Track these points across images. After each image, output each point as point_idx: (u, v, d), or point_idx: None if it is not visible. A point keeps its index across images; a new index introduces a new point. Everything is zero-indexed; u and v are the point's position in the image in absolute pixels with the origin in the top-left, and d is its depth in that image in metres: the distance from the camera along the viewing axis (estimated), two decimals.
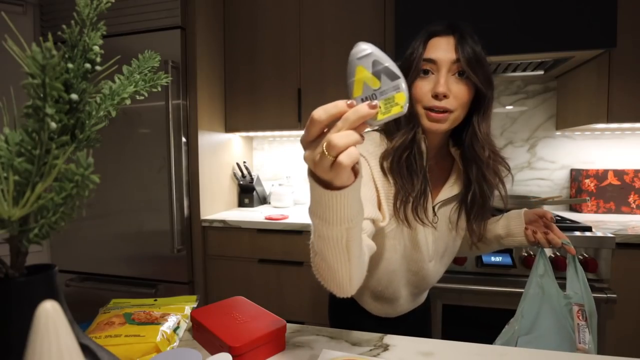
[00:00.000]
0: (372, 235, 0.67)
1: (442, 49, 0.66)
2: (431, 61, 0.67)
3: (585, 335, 0.72)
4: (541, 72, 1.66)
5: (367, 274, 0.61)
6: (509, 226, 0.82)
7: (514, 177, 0.78)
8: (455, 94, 0.66)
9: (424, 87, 0.68)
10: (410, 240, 0.77)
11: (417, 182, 0.70)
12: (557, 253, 1.30)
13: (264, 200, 2.19)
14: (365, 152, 0.73)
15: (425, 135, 0.72)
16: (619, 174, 1.71)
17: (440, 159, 0.79)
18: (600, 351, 1.25)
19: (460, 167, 0.77)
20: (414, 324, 0.94)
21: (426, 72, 0.68)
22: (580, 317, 0.74)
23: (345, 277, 0.53)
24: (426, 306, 0.99)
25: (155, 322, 0.63)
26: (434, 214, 0.77)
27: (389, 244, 0.76)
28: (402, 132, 0.70)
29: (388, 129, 0.75)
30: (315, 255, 0.54)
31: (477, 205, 0.75)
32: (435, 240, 0.80)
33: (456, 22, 0.68)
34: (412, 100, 0.69)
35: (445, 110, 0.67)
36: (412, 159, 0.70)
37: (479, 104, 0.70)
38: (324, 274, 0.55)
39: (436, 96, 0.66)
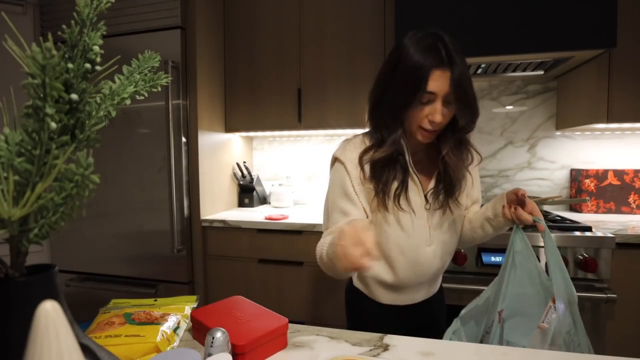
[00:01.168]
0: None
1: (440, 83, 0.75)
2: (431, 93, 0.76)
3: (551, 315, 0.73)
4: (541, 72, 1.66)
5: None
6: (495, 207, 0.87)
7: (482, 157, 0.91)
8: (445, 117, 0.78)
9: (422, 113, 0.78)
10: (398, 227, 0.84)
11: (395, 179, 0.82)
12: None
13: (264, 200, 2.19)
14: (344, 158, 0.85)
15: (410, 142, 0.84)
16: (619, 174, 1.71)
17: (428, 153, 0.89)
18: (600, 351, 1.25)
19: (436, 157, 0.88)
20: (428, 315, 0.97)
21: (425, 101, 0.78)
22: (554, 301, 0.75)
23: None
24: (440, 297, 1.01)
25: (155, 322, 0.63)
26: (427, 201, 0.86)
27: (377, 230, 0.85)
28: (385, 147, 0.81)
29: (373, 135, 0.86)
30: (323, 261, 0.75)
31: (455, 186, 0.86)
32: (430, 226, 0.87)
33: (448, 48, 0.75)
34: (404, 123, 0.81)
35: (435, 130, 0.80)
36: (391, 164, 0.82)
37: (459, 116, 0.80)
38: (336, 275, 0.77)
39: (432, 122, 0.77)
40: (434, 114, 0.76)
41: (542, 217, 0.80)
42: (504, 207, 0.83)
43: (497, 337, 0.79)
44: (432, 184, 0.87)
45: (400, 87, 0.77)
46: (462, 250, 1.35)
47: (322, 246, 0.80)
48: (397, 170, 0.82)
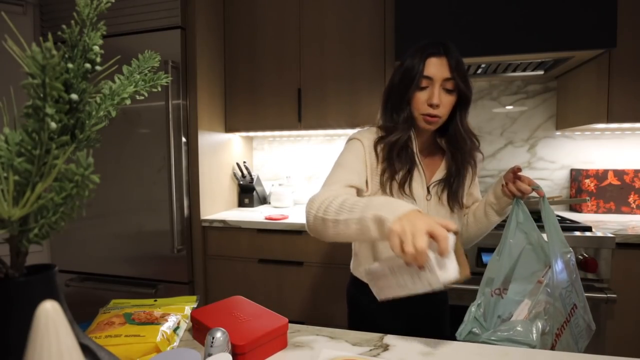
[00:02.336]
0: None
1: (437, 68, 0.84)
2: (428, 78, 0.84)
3: (549, 273, 0.80)
4: (541, 72, 1.66)
5: (368, 256, 0.93)
6: (495, 190, 0.94)
7: (484, 156, 0.99)
8: (445, 103, 0.85)
9: (421, 97, 0.86)
10: None
11: (403, 167, 0.88)
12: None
13: (264, 200, 2.19)
14: (362, 137, 0.91)
15: (417, 133, 0.91)
16: (619, 174, 1.71)
17: (432, 150, 0.96)
18: (600, 351, 1.25)
19: (445, 154, 0.95)
20: (431, 316, 0.98)
21: (424, 86, 0.85)
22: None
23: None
24: (443, 299, 1.02)
25: (155, 322, 0.63)
26: (428, 192, 0.92)
27: None
28: (398, 132, 0.88)
29: (385, 126, 0.92)
30: (326, 224, 0.75)
31: (452, 183, 0.92)
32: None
33: (446, 43, 0.85)
34: (411, 107, 0.88)
35: (436, 116, 0.85)
36: (402, 151, 0.88)
37: (460, 105, 0.88)
38: (324, 235, 0.78)
39: (431, 105, 0.84)
40: (431, 97, 0.84)
41: (539, 185, 0.87)
42: (503, 186, 0.90)
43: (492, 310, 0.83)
44: (436, 176, 0.93)
45: (403, 76, 0.87)
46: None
47: (328, 201, 0.76)
48: (406, 159, 0.88)
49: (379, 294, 0.66)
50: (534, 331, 0.73)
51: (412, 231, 0.56)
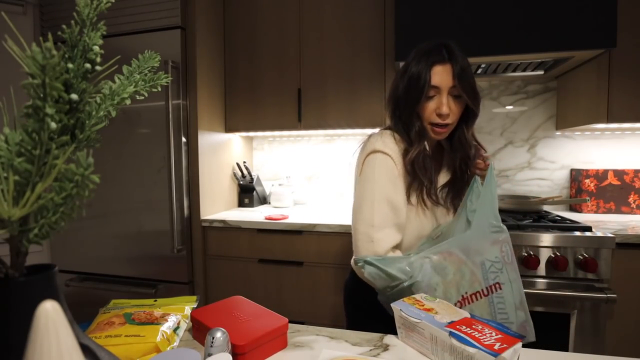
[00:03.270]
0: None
1: (443, 77, 0.83)
2: (435, 87, 0.83)
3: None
4: (541, 72, 1.66)
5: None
6: None
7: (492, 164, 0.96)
8: (453, 111, 0.85)
9: (430, 107, 0.85)
10: (419, 218, 0.90)
11: (426, 178, 0.87)
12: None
13: (264, 200, 2.19)
14: (390, 151, 0.87)
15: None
16: (619, 174, 1.71)
17: (434, 153, 0.96)
18: (600, 351, 1.25)
19: (448, 157, 0.96)
20: None
21: (431, 95, 0.85)
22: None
23: None
24: None
25: (155, 322, 0.63)
26: (436, 193, 0.92)
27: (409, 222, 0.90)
28: (416, 146, 0.86)
29: (401, 133, 0.91)
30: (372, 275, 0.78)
31: (458, 187, 0.93)
32: (437, 218, 0.94)
33: (449, 46, 0.84)
34: (421, 120, 0.88)
35: (445, 125, 0.86)
36: (425, 162, 0.87)
37: (467, 112, 0.88)
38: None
39: (440, 115, 0.84)
40: (440, 107, 0.83)
41: (488, 157, 0.93)
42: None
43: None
44: (440, 180, 0.95)
45: (409, 86, 0.85)
46: None
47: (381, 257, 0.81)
48: (428, 169, 0.88)
49: (401, 335, 0.65)
50: (414, 267, 0.75)
51: None
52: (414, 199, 0.89)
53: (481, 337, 0.54)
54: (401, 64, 1.09)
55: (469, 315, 0.61)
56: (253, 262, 1.67)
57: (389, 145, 0.87)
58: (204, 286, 1.74)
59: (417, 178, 0.87)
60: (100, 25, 0.36)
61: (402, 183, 0.87)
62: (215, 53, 1.85)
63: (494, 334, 0.55)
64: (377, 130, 0.98)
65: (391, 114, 0.93)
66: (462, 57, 0.84)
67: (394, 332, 0.66)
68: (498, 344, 0.52)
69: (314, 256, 1.59)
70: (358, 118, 1.76)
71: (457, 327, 0.57)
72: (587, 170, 1.74)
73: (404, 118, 0.88)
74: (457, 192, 0.94)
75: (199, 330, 0.65)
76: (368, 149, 0.89)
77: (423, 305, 0.65)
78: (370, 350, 0.62)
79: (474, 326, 0.58)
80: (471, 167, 0.93)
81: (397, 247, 0.88)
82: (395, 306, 0.66)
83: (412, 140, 0.87)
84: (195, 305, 0.73)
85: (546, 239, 1.29)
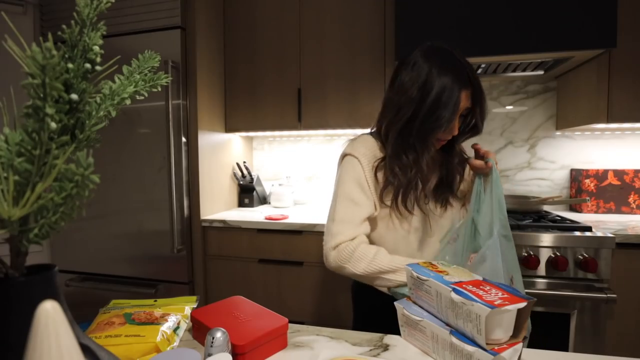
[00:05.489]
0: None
1: (464, 102, 0.82)
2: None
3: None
4: (541, 72, 1.66)
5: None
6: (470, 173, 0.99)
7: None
8: (458, 125, 0.86)
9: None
10: (406, 221, 0.89)
11: (412, 180, 0.85)
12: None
13: (264, 200, 2.19)
14: (360, 155, 0.88)
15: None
16: (619, 174, 1.71)
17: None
18: (600, 351, 1.25)
19: (439, 158, 0.96)
20: None
21: None
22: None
23: None
24: None
25: (155, 322, 0.63)
26: (425, 195, 0.91)
27: (384, 223, 0.90)
28: (412, 174, 0.84)
29: (396, 159, 0.87)
30: (351, 272, 0.82)
31: (447, 184, 0.94)
32: (430, 220, 0.92)
33: (471, 69, 0.82)
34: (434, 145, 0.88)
35: (445, 139, 0.88)
36: (417, 176, 0.85)
37: (464, 128, 0.89)
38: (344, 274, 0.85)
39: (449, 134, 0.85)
40: (452, 129, 0.84)
41: (489, 158, 0.87)
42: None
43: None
44: (432, 182, 0.94)
45: (432, 113, 0.80)
46: None
47: (351, 252, 0.82)
48: (415, 180, 0.86)
49: (403, 333, 0.65)
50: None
51: None
52: (388, 202, 0.88)
53: (484, 295, 0.53)
54: None
55: (481, 279, 0.60)
56: (253, 262, 1.67)
57: (360, 149, 0.89)
58: (204, 286, 1.74)
59: (392, 184, 0.86)
60: (100, 25, 0.36)
61: (371, 185, 0.87)
62: (215, 53, 1.85)
63: (500, 293, 0.53)
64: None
65: (388, 122, 0.87)
66: (470, 67, 0.83)
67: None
68: (499, 301, 0.51)
69: (314, 256, 1.59)
70: (358, 118, 1.76)
71: (464, 286, 0.56)
72: (587, 170, 1.74)
73: (414, 144, 0.84)
74: (445, 190, 0.94)
75: (199, 330, 0.65)
76: (342, 152, 0.94)
77: (436, 268, 0.65)
78: (370, 350, 0.62)
79: (482, 287, 0.56)
80: (457, 166, 0.94)
81: (373, 241, 0.91)
82: (398, 305, 0.66)
83: (408, 167, 0.85)
84: (195, 306, 0.73)
85: (546, 239, 1.29)
